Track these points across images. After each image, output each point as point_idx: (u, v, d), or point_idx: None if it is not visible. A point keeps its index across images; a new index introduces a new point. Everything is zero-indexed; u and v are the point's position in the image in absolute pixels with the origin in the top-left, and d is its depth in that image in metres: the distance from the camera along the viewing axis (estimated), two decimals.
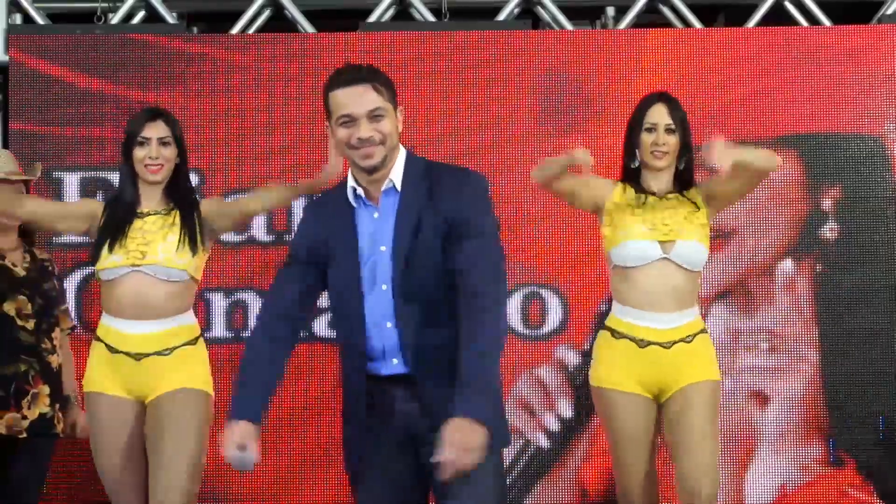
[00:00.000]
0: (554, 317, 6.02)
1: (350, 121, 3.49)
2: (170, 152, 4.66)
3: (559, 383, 6.01)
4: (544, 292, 5.97)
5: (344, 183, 3.61)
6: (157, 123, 4.66)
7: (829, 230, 6.03)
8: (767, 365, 5.99)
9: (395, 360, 3.53)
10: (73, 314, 5.47)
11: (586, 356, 6.00)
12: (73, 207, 4.96)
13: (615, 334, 4.63)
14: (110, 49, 6.09)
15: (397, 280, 3.50)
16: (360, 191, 3.55)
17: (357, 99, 3.50)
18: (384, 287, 3.51)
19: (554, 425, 5.99)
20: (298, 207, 6.02)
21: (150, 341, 4.60)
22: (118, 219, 4.64)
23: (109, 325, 4.63)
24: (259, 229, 6.01)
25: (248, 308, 6.00)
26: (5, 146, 6.13)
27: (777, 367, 5.97)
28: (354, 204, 3.56)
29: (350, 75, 3.55)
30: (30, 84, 6.08)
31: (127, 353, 4.60)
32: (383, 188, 3.53)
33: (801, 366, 5.99)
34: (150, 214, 4.67)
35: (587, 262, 5.95)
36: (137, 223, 4.64)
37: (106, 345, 4.62)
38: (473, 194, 3.53)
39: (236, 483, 5.92)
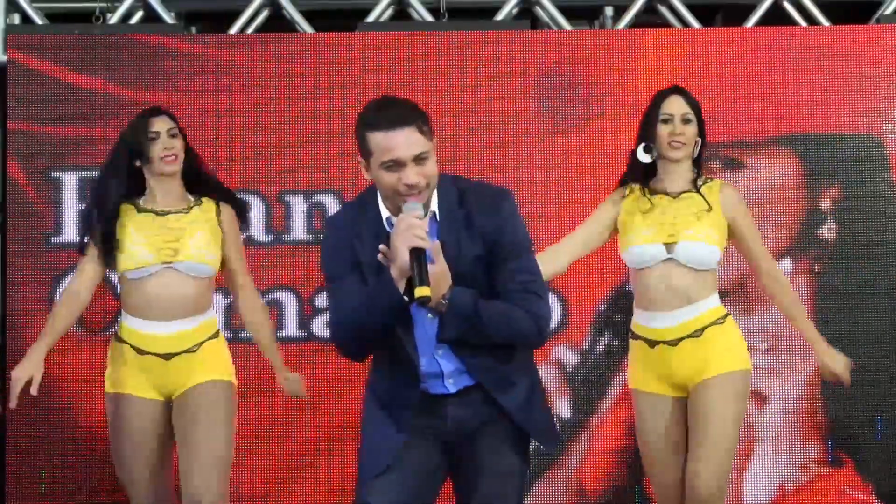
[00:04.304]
0: (552, 317, 6.00)
1: (396, 165, 3.44)
2: (179, 143, 4.77)
3: (558, 383, 6.01)
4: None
5: (366, 204, 3.59)
6: (160, 118, 4.77)
7: (828, 230, 6.03)
8: (766, 365, 5.98)
9: (450, 381, 3.58)
10: None
11: (584, 356, 6.03)
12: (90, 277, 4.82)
13: (633, 336, 4.69)
14: (109, 49, 6.09)
15: None
16: (394, 220, 3.49)
17: (403, 142, 3.43)
18: (430, 316, 3.53)
19: None
20: (296, 207, 6.04)
21: (178, 340, 4.69)
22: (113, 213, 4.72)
23: (133, 327, 4.69)
24: (257, 229, 6.01)
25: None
26: (4, 146, 6.13)
27: (775, 368, 5.97)
28: (390, 230, 3.50)
29: (392, 115, 3.46)
30: (29, 84, 6.08)
31: (156, 354, 4.67)
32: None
33: (800, 366, 5.99)
34: (171, 213, 4.74)
35: (586, 263, 5.94)
36: (158, 219, 4.72)
37: (131, 346, 4.68)
38: (509, 216, 3.56)
39: (230, 483, 5.91)
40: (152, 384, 4.68)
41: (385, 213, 3.55)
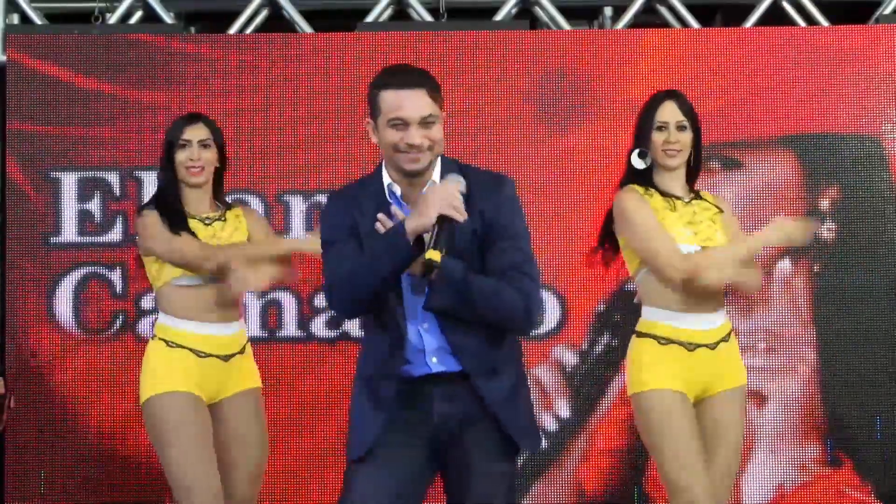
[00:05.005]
0: (552, 317, 6.01)
1: (402, 124, 3.51)
2: (210, 155, 4.75)
3: (557, 383, 6.01)
4: (542, 292, 5.96)
5: (370, 178, 3.62)
6: (194, 126, 4.75)
7: (827, 230, 6.03)
8: (765, 365, 5.98)
9: (434, 359, 3.56)
10: (71, 320, 5.49)
11: (584, 356, 6.03)
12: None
13: (661, 340, 4.46)
14: (108, 49, 6.09)
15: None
16: (395, 188, 3.57)
17: (412, 103, 3.52)
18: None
19: (552, 425, 5.99)
20: (297, 206, 6.04)
21: (235, 341, 4.74)
22: (181, 225, 4.70)
23: (191, 331, 4.67)
24: None
25: (245, 307, 5.99)
26: (4, 146, 6.13)
27: (775, 368, 5.97)
28: (391, 200, 3.56)
29: (405, 77, 3.57)
30: (28, 84, 6.08)
31: (217, 356, 4.69)
32: (423, 190, 3.53)
33: (799, 366, 6.00)
34: (215, 220, 4.77)
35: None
36: (208, 229, 4.74)
37: (191, 350, 4.66)
38: (508, 199, 3.60)
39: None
40: (202, 385, 4.66)
41: (387, 179, 3.59)
